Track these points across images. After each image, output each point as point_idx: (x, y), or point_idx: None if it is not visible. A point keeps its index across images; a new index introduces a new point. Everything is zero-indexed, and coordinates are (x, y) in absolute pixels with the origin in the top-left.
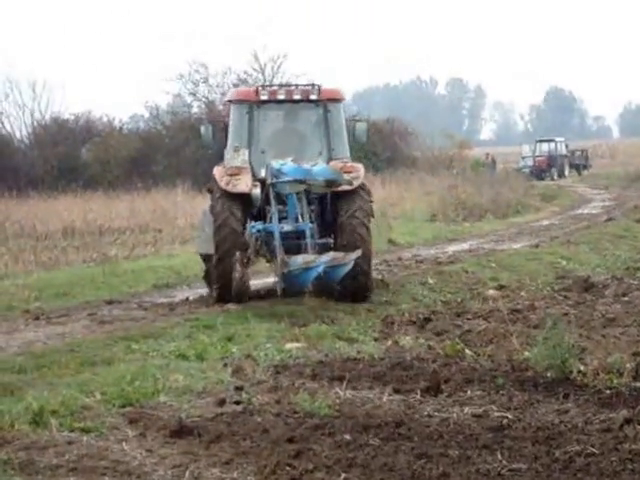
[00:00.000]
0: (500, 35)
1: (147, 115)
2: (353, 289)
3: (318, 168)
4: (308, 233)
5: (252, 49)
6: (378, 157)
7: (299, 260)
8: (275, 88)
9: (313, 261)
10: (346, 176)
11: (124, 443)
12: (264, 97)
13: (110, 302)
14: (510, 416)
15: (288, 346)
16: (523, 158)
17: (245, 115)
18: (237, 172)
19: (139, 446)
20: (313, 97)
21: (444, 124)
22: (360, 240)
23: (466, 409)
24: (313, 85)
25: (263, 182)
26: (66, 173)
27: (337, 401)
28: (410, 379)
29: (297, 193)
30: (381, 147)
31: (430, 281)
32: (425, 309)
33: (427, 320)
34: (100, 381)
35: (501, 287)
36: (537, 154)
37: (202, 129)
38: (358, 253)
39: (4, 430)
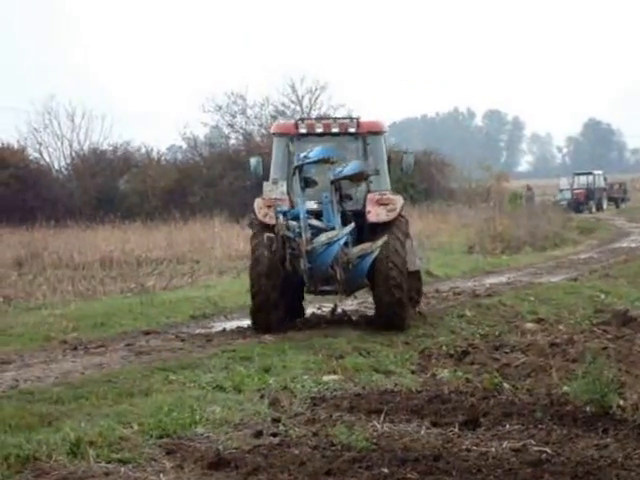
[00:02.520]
0: (538, 67)
1: (185, 146)
2: (387, 320)
3: (348, 166)
4: (337, 227)
5: (290, 80)
6: (415, 189)
7: (322, 238)
8: (313, 121)
9: (335, 235)
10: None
11: (161, 474)
12: (303, 130)
13: (147, 333)
14: (549, 451)
15: (325, 378)
16: (561, 191)
17: (285, 148)
18: (275, 204)
19: (176, 477)
20: (352, 130)
21: (481, 156)
22: (393, 273)
23: (505, 443)
24: (352, 118)
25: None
26: (104, 204)
27: (374, 434)
28: (448, 412)
29: (331, 204)
30: (418, 179)
31: (468, 314)
32: (463, 342)
33: (465, 353)
34: (137, 412)
35: (539, 320)
36: (575, 187)
37: (252, 161)
38: (384, 239)
39: (42, 461)
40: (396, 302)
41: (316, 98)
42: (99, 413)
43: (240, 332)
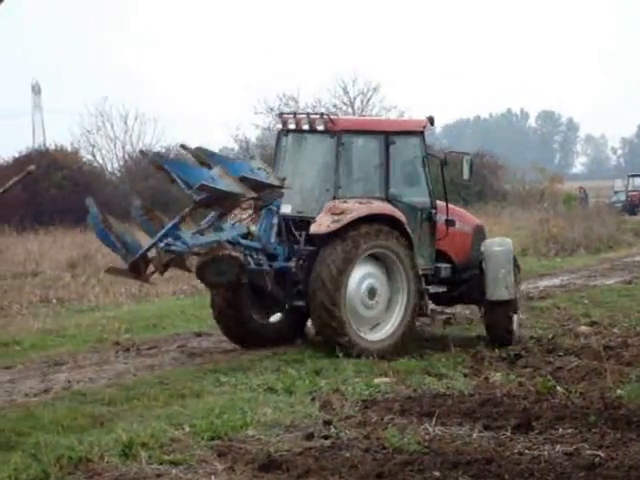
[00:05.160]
0: (592, 68)
1: (237, 148)
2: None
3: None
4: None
5: (341, 82)
6: (468, 190)
7: None
8: (288, 117)
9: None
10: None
11: (213, 476)
12: (279, 125)
13: (199, 334)
14: (602, 455)
15: (376, 381)
16: (616, 193)
17: (276, 143)
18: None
19: (227, 479)
20: (320, 128)
21: (535, 157)
22: (318, 310)
23: (557, 447)
24: (322, 114)
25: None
26: (157, 205)
27: (426, 437)
28: (500, 416)
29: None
30: (471, 180)
31: (521, 317)
32: (516, 345)
33: (518, 356)
34: (189, 414)
35: (593, 323)
36: (630, 189)
37: None
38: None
39: (94, 462)
40: (325, 337)
41: (368, 100)
42: (151, 414)
43: None
